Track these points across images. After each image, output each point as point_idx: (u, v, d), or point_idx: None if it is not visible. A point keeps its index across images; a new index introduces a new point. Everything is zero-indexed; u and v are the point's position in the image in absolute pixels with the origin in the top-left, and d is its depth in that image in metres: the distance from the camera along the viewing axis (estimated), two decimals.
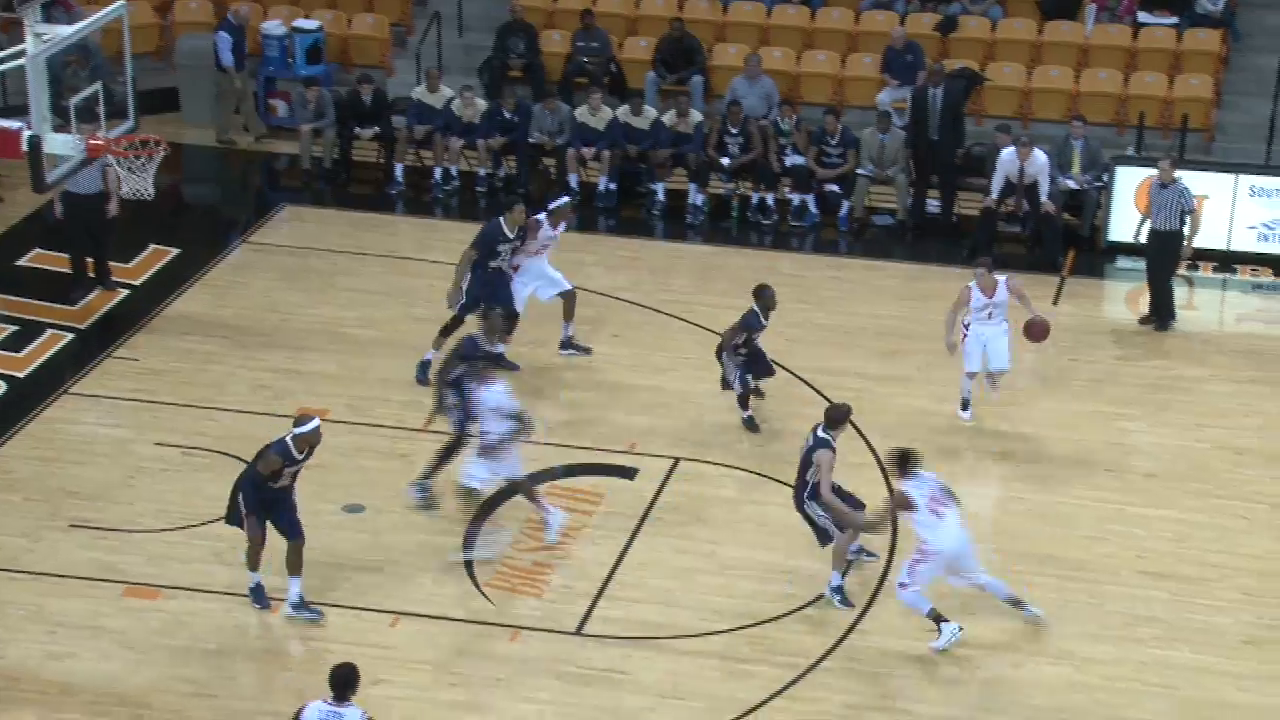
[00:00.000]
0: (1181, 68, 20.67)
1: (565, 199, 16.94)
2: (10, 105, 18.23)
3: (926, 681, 12.27)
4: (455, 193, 20.12)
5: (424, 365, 15.63)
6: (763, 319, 15.10)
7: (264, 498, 12.56)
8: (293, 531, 12.68)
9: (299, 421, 12.52)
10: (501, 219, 15.83)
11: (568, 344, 16.45)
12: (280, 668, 12.27)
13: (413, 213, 19.85)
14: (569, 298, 16.33)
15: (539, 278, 16.26)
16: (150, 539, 13.55)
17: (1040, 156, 18.35)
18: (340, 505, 14.04)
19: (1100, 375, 16.51)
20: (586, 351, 16.44)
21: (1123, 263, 18.78)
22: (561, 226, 16.41)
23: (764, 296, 15.09)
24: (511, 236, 15.74)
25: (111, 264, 17.75)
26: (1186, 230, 17.13)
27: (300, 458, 12.52)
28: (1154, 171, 17.61)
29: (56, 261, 17.68)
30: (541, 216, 16.21)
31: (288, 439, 12.49)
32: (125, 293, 17.47)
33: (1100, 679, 12.36)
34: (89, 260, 17.38)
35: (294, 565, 12.70)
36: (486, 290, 15.55)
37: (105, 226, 17.17)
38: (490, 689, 12.15)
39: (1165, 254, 17.23)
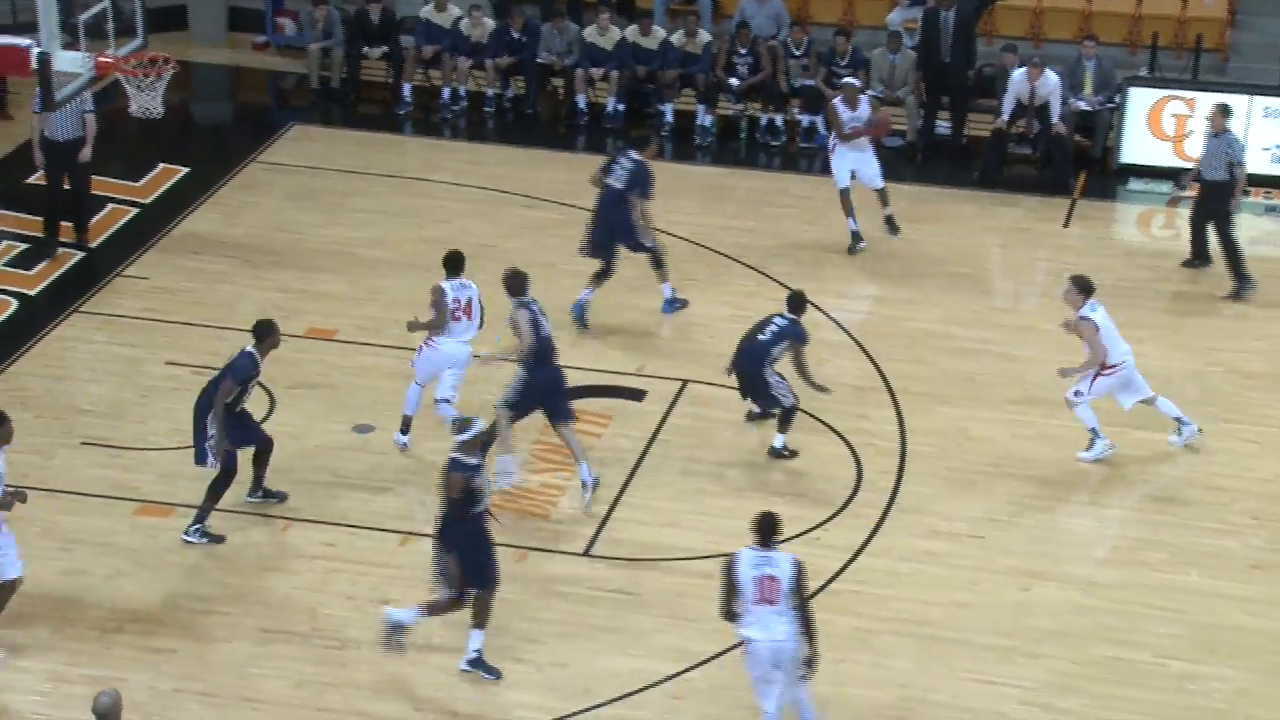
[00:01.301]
0: None
1: (851, 80, 17.20)
2: (19, 23, 18.13)
3: (934, 604, 12.34)
4: (463, 113, 20.03)
5: (669, 302, 15.73)
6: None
7: (457, 531, 11.27)
8: (481, 579, 11.36)
9: (461, 428, 11.36)
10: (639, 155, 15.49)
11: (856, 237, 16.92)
12: (292, 586, 12.36)
13: (421, 133, 19.78)
14: (881, 195, 17.03)
15: (856, 162, 16.84)
16: (162, 457, 13.60)
17: (1051, 77, 18.23)
18: (350, 425, 14.08)
19: (1111, 298, 16.41)
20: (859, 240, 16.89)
21: (1134, 184, 18.70)
22: (862, 107, 16.78)
23: (799, 303, 13.85)
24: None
25: (120, 184, 17.71)
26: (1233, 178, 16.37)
27: (473, 462, 11.27)
28: (1167, 93, 17.48)
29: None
30: (836, 100, 16.77)
31: (456, 457, 11.25)
32: (134, 211, 17.44)
33: (1107, 603, 12.43)
34: (61, 222, 16.62)
35: (479, 615, 11.45)
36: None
37: (85, 170, 16.57)
38: (499, 610, 12.19)
39: (1209, 203, 16.59)
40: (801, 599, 10.34)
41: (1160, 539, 13.11)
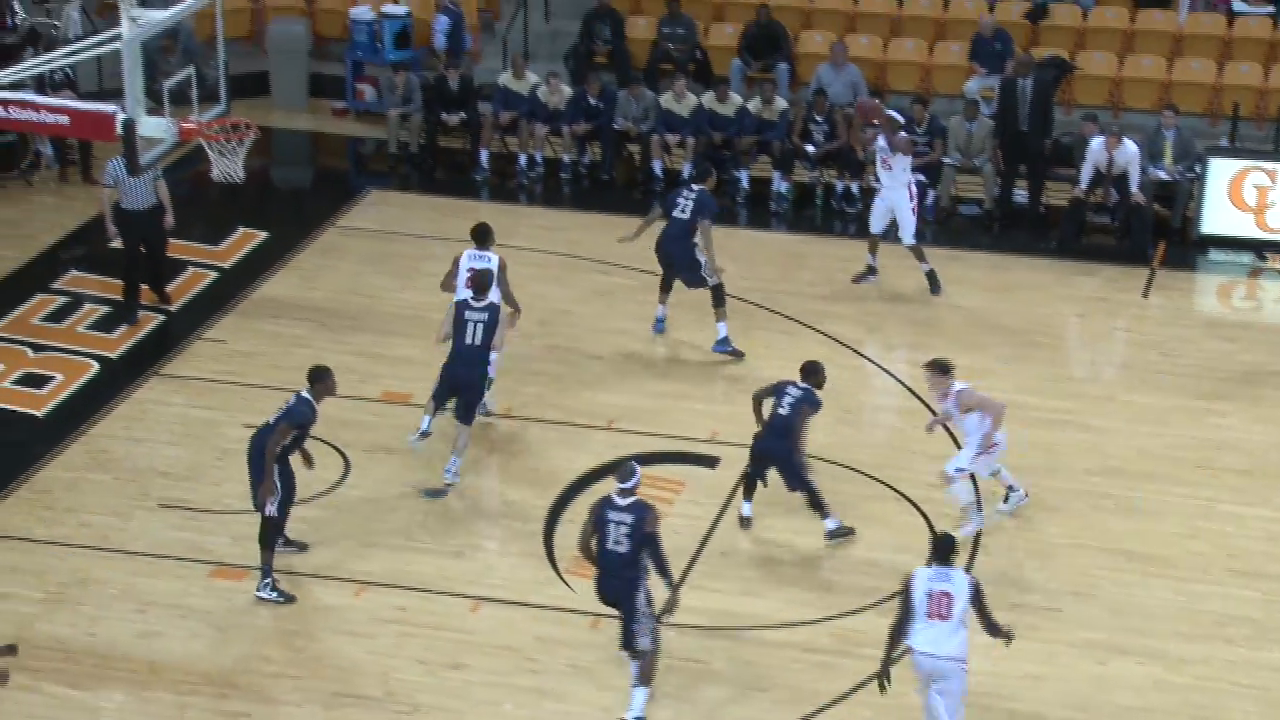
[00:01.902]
0: (1277, 57, 20.34)
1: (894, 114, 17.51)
2: (105, 89, 18.46)
3: (1008, 677, 12.16)
4: (539, 179, 20.15)
5: (722, 341, 15.96)
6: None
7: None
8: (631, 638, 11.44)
9: (623, 475, 11.52)
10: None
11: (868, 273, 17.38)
12: (364, 650, 12.35)
13: (497, 199, 19.90)
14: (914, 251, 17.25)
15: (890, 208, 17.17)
16: (237, 520, 13.66)
17: (1130, 146, 18.12)
18: (422, 489, 14.11)
19: (1191, 370, 16.29)
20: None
21: (1215, 255, 18.53)
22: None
23: (817, 373, 13.62)
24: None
25: (200, 247, 17.93)
26: None
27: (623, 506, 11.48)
28: (1248, 164, 17.29)
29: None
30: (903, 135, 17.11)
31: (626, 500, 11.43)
32: (214, 275, 17.65)
33: (1189, 679, 12.21)
34: (142, 284, 16.72)
35: (643, 676, 11.54)
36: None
37: (161, 239, 16.68)
38: (570, 676, 12.17)
39: None
40: (983, 610, 10.96)
41: (1243, 614, 12.88)
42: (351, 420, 15.02)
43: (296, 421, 12.53)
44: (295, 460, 12.74)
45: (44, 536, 13.51)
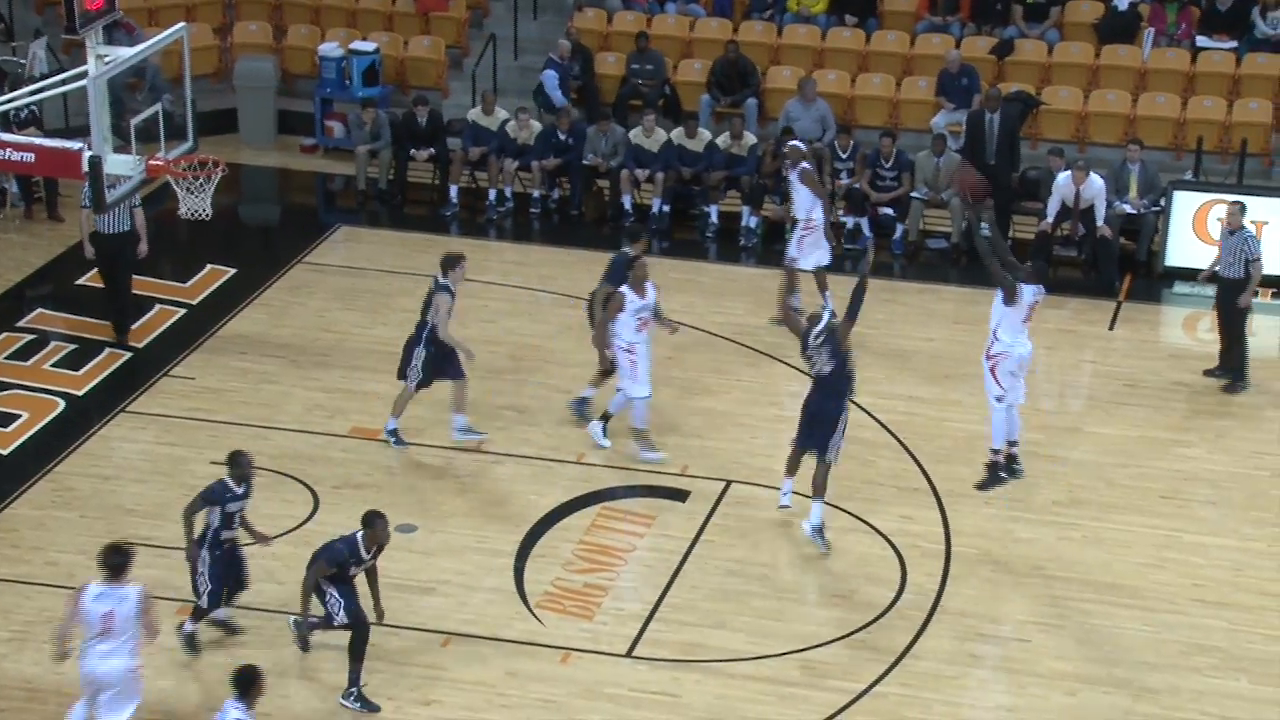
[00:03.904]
0: (1240, 92, 20.53)
1: (797, 144, 17.63)
2: (71, 126, 18.44)
3: (979, 708, 12.18)
4: (509, 214, 20.19)
5: (581, 401, 15.59)
6: None
7: None
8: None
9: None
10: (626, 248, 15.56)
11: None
12: (333, 686, 12.29)
13: (467, 234, 19.91)
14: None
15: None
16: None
17: (1096, 181, 18.25)
18: (393, 526, 14.06)
19: (1157, 401, 16.37)
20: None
21: (1180, 288, 18.64)
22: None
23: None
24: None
25: (168, 284, 17.91)
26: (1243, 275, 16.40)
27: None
28: (1212, 197, 17.44)
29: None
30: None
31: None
32: (182, 311, 17.62)
33: (1157, 708, 12.24)
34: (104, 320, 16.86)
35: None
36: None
37: (129, 267, 16.74)
38: (541, 711, 12.14)
39: (1229, 301, 16.58)
40: None
41: (1210, 643, 12.93)
42: (320, 456, 15.00)
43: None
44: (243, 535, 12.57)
45: (10, 575, 13.44)
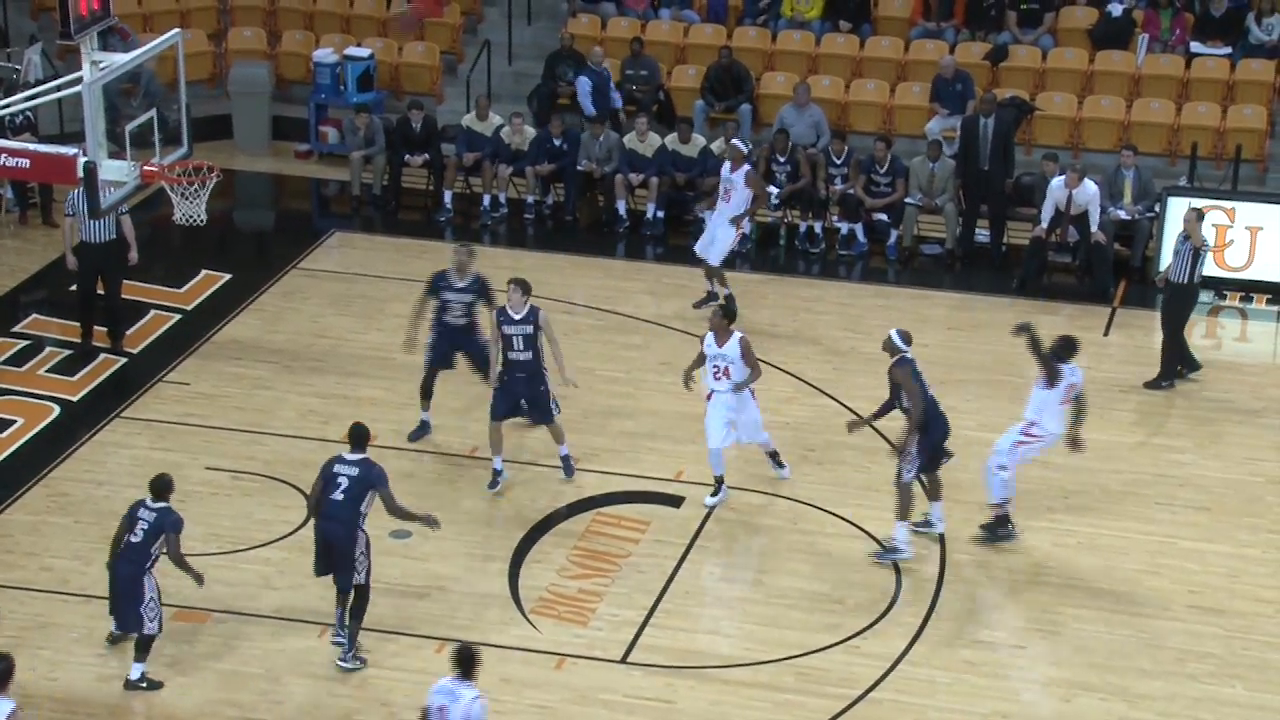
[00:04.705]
0: (1234, 98, 20.56)
1: (737, 142, 18.13)
2: (66, 132, 18.43)
3: (974, 714, 12.18)
4: (503, 219, 20.20)
5: (424, 426, 15.39)
6: None
7: None
8: None
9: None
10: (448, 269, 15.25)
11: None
12: (327, 693, 12.28)
13: (461, 239, 19.86)
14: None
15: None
16: (200, 562, 13.56)
17: (1090, 186, 18.27)
18: (387, 531, 14.06)
19: (1151, 408, 16.39)
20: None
21: None
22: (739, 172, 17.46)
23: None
24: (459, 286, 15.15)
25: (162, 289, 17.90)
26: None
27: None
28: (1206, 202, 17.45)
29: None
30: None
31: None
32: (176, 317, 17.61)
33: (1153, 715, 12.25)
34: (97, 325, 16.76)
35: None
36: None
37: (119, 275, 16.71)
38: (535, 717, 12.12)
39: (1173, 307, 16.65)
40: None
41: (1205, 650, 12.93)
42: (314, 462, 14.88)
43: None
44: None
45: (4, 580, 13.42)
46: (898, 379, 13.65)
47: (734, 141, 18.17)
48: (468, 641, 10.85)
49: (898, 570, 13.71)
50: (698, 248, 17.81)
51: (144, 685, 12.26)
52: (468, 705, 10.36)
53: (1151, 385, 16.57)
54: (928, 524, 13.95)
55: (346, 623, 12.52)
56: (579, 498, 14.60)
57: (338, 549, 12.37)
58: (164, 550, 12.13)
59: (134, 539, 12.15)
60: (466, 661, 10.48)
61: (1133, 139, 19.84)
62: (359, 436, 12.60)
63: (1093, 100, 20.71)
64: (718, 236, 17.59)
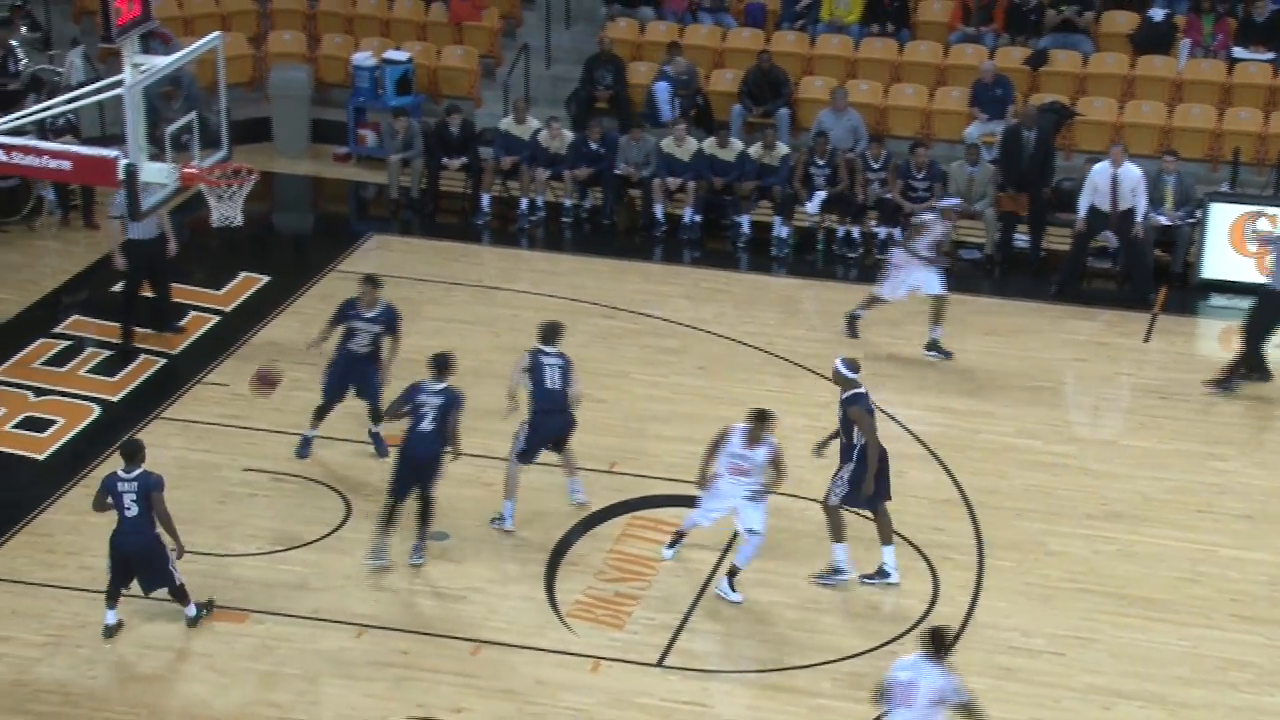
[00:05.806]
0: (1277, 103, 20.43)
1: (954, 200, 17.94)
2: (107, 134, 18.52)
3: None
4: (541, 223, 20.21)
5: (306, 442, 15.22)
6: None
7: None
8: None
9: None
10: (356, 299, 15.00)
11: (933, 346, 17.04)
12: (364, 694, 12.31)
13: (498, 243, 19.95)
14: (940, 301, 16.99)
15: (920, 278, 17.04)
16: (239, 563, 13.65)
17: (1134, 170, 18.03)
18: (426, 534, 14.08)
19: (1192, 414, 16.28)
20: (948, 356, 16.93)
21: (1216, 300, 18.54)
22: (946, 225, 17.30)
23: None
24: (367, 315, 14.93)
25: (202, 291, 17.98)
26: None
27: None
28: (1249, 209, 17.32)
29: (149, 288, 17.79)
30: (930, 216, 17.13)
31: None
32: (216, 319, 17.69)
33: None
34: (142, 328, 16.97)
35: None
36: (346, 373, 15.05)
37: (166, 272, 17.03)
38: None
39: (1266, 313, 16.46)
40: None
41: (1246, 659, 12.84)
42: (352, 464, 15.03)
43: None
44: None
45: (45, 580, 13.49)
46: (854, 418, 13.21)
47: (948, 203, 17.99)
48: (941, 625, 10.88)
49: (935, 576, 13.65)
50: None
51: (206, 612, 12.84)
52: (942, 680, 10.38)
53: (1212, 384, 16.42)
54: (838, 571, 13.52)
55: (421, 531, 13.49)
56: (615, 501, 14.58)
57: (427, 469, 13.31)
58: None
59: (129, 513, 12.38)
60: (938, 641, 10.54)
61: (1174, 144, 19.73)
62: (443, 364, 13.19)
63: (1134, 105, 20.62)
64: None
